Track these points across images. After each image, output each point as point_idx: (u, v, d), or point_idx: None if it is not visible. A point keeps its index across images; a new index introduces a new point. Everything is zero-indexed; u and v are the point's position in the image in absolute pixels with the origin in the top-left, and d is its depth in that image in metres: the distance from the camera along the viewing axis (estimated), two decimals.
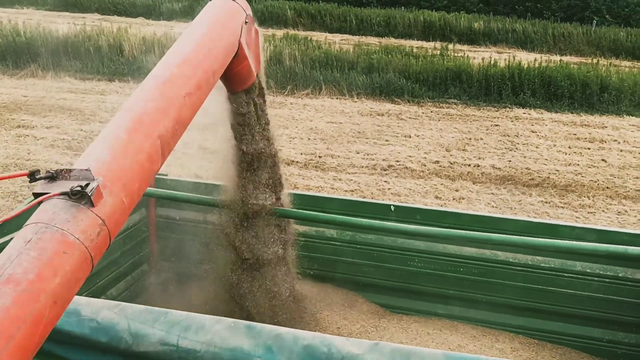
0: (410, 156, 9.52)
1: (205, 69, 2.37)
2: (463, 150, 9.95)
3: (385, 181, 8.39)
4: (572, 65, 14.18)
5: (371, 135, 10.65)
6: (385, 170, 8.90)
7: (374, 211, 3.97)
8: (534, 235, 3.59)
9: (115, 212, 1.72)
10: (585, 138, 10.92)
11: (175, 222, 4.39)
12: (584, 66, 15.00)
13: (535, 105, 13.08)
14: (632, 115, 12.66)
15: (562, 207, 7.72)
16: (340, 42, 21.79)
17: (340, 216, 3.54)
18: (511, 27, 24.56)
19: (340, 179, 8.38)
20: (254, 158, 3.30)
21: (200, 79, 2.31)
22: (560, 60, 15.83)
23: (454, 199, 7.88)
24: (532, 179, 8.74)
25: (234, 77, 2.88)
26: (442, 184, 8.38)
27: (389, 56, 14.96)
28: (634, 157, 9.86)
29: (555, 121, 12.05)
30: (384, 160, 9.31)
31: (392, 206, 3.99)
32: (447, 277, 4.00)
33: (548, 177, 8.81)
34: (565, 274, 3.81)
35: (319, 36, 23.86)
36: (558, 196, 8.12)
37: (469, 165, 9.24)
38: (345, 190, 7.91)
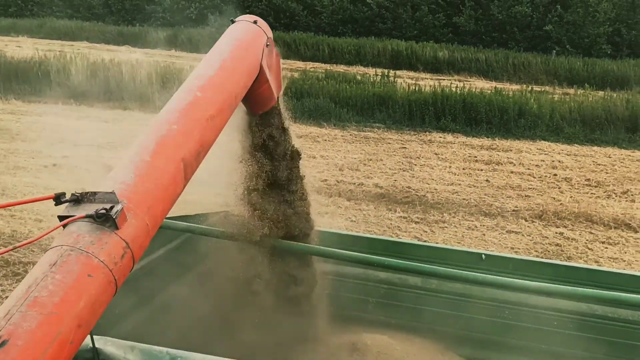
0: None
1: (227, 92, 2.41)
2: (356, 170, 10.45)
3: None
4: (488, 92, 14.70)
5: None
6: None
7: (463, 260, 3.78)
8: (636, 290, 3.36)
9: (139, 235, 1.74)
10: (484, 160, 11.37)
11: None
12: (516, 93, 15.51)
13: (455, 129, 13.58)
14: (546, 140, 13.10)
15: (417, 222, 8.16)
16: (309, 70, 22.61)
17: (426, 265, 3.29)
18: (474, 57, 25.22)
19: (219, 194, 8.89)
20: (274, 183, 3.24)
21: (223, 102, 2.35)
22: (495, 87, 16.39)
23: (318, 213, 8.32)
24: (407, 196, 9.20)
25: (255, 100, 2.88)
26: (315, 200, 8.85)
27: (324, 82, 15.61)
28: (520, 179, 10.29)
29: (466, 144, 12.53)
30: None
31: (482, 255, 3.81)
32: (540, 331, 3.70)
33: (424, 196, 9.25)
34: None
35: (290, 64, 24.72)
36: (422, 212, 8.56)
37: (354, 183, 9.72)
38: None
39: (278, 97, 3.06)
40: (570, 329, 3.64)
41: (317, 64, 26.53)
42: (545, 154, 11.92)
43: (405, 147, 12.10)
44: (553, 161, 11.40)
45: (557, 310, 3.64)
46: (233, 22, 2.85)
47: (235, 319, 3.56)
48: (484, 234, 7.80)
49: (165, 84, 15.03)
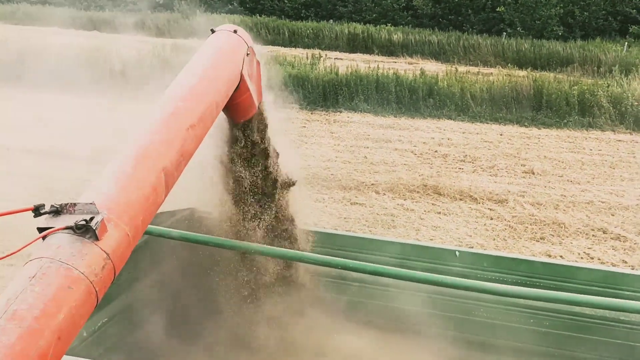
0: None
1: (208, 102, 2.42)
2: None
3: None
4: (398, 72, 14.98)
5: None
6: None
7: (436, 257, 3.71)
8: (612, 286, 3.40)
9: (120, 246, 1.72)
10: (375, 138, 11.70)
11: None
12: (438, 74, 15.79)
13: (366, 109, 13.91)
14: (452, 119, 13.41)
15: None
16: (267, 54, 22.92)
17: (393, 268, 3.17)
18: (428, 39, 25.44)
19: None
20: (254, 189, 3.32)
21: (203, 111, 2.35)
22: (421, 69, 16.66)
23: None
24: None
25: (236, 109, 2.90)
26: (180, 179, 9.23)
27: None
28: (399, 155, 10.62)
29: (369, 123, 12.86)
30: None
31: (456, 252, 3.75)
32: (515, 329, 3.62)
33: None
34: None
35: None
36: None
37: None
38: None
39: (259, 106, 3.11)
40: (546, 327, 3.62)
41: (276, 48, 26.75)
42: (439, 132, 12.24)
43: (305, 127, 12.43)
44: (442, 139, 11.73)
45: (532, 307, 3.59)
46: (213, 31, 2.85)
47: (194, 328, 3.51)
48: (326, 206, 8.15)
49: (92, 69, 15.38)
